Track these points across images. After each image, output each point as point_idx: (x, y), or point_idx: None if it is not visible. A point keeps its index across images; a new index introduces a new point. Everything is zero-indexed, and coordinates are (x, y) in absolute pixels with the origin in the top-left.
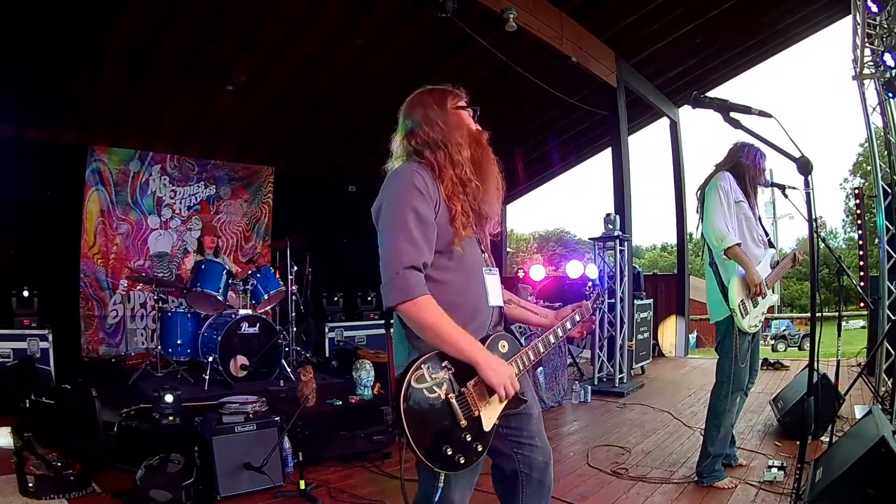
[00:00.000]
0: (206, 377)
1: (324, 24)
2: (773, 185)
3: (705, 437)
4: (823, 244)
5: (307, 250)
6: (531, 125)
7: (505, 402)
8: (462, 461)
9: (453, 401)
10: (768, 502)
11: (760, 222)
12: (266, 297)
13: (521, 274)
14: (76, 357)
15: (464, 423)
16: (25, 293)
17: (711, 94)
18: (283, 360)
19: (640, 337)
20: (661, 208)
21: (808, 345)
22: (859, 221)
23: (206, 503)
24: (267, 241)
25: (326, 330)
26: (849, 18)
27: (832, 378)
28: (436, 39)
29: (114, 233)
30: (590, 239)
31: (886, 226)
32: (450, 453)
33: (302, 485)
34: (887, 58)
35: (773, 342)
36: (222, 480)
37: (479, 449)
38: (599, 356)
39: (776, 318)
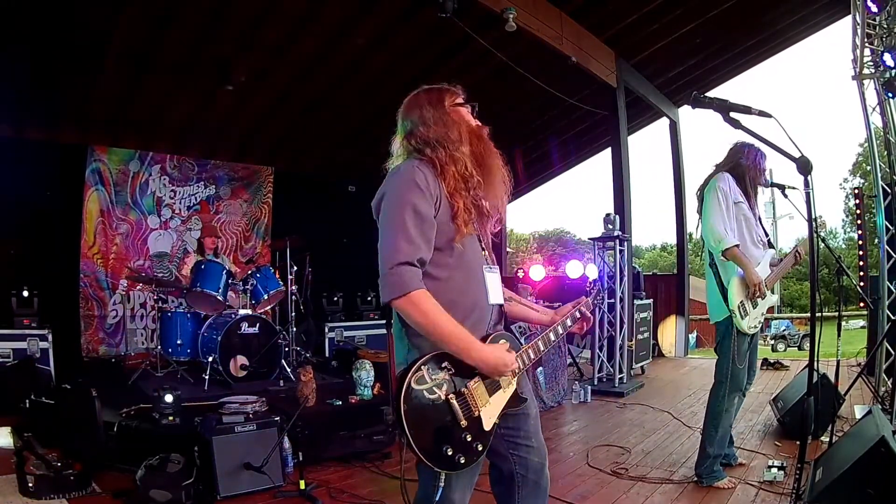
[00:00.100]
0: (206, 377)
1: (324, 24)
2: (773, 185)
3: (704, 438)
4: (823, 244)
5: (307, 250)
6: (531, 125)
7: (505, 402)
8: (462, 461)
9: (453, 401)
10: (768, 502)
11: (760, 223)
12: (266, 297)
13: (520, 274)
14: (76, 357)
15: (464, 423)
16: (25, 293)
17: (711, 94)
18: (282, 360)
19: (639, 337)
20: (661, 208)
21: (808, 345)
22: (859, 221)
23: (206, 503)
24: (267, 241)
25: (326, 330)
26: (848, 18)
27: (832, 378)
28: (436, 39)
29: (114, 233)
30: (590, 239)
31: (886, 226)
32: (450, 453)
33: (302, 485)
34: (887, 58)
35: (772, 342)
36: (222, 480)
37: (480, 448)
38: (599, 356)
39: (776, 318)
